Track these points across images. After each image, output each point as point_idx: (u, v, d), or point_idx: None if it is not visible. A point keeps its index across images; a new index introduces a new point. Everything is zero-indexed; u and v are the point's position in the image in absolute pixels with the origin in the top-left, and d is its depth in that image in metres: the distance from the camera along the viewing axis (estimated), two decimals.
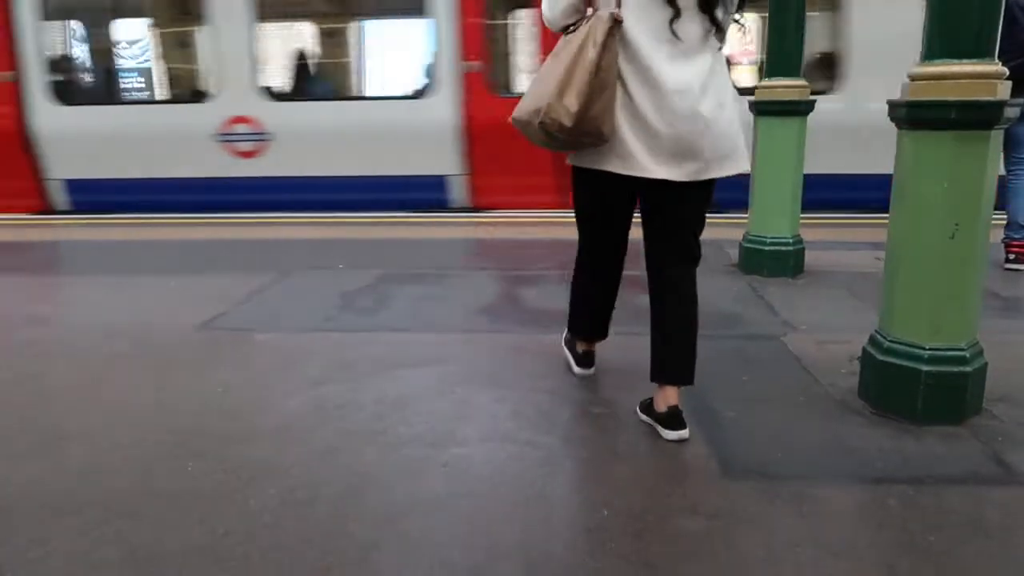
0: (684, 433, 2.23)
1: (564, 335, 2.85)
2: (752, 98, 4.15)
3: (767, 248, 4.17)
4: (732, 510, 1.86)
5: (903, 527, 1.79)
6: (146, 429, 2.36)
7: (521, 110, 2.17)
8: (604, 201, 2.35)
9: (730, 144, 2.15)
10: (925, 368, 2.26)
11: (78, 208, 6.88)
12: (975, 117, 2.12)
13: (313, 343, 3.16)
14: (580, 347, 2.75)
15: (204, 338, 3.26)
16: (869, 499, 1.93)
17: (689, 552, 1.70)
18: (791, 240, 4.18)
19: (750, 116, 4.11)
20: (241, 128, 6.53)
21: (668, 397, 2.27)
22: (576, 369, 2.75)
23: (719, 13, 2.10)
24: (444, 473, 2.07)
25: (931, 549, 1.70)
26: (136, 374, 2.85)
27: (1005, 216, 4.27)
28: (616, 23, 2.03)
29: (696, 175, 2.13)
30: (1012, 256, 4.28)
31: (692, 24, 2.08)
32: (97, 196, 6.77)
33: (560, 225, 5.31)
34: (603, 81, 2.03)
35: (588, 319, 2.68)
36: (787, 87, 4.03)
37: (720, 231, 5.23)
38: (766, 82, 4.10)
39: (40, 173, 6.81)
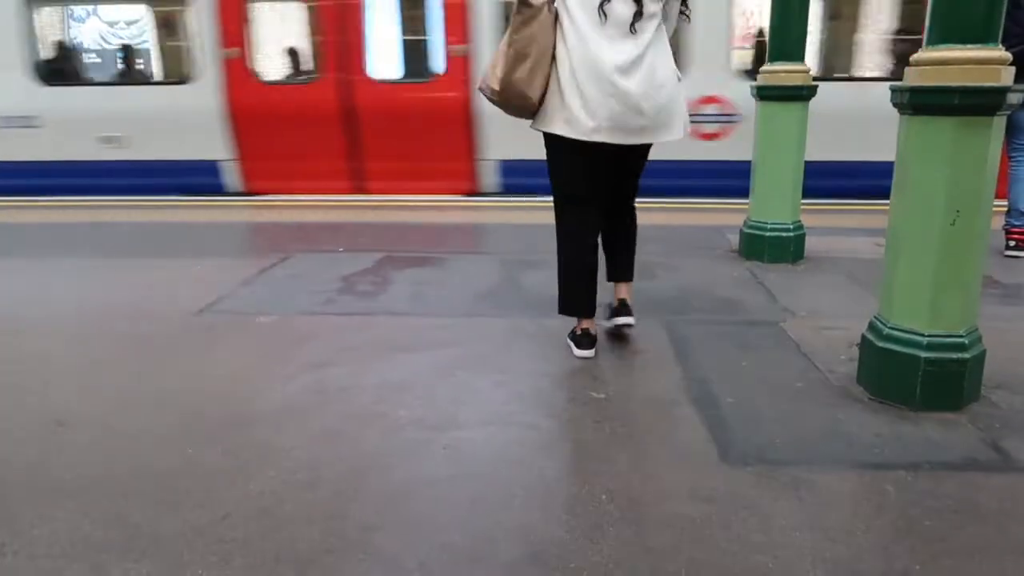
0: (631, 319, 2.80)
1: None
2: (754, 83, 4.14)
3: (767, 234, 4.16)
4: (731, 495, 1.87)
5: (901, 512, 1.80)
6: (146, 412, 2.37)
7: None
8: (567, 158, 2.63)
9: (665, 115, 2.52)
10: (924, 355, 2.26)
11: (507, 191, 6.52)
12: (978, 103, 2.11)
13: (314, 326, 3.17)
14: (578, 328, 2.77)
15: (205, 321, 3.26)
16: (867, 484, 1.94)
17: (687, 536, 1.71)
18: (792, 226, 4.17)
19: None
20: (710, 109, 6.05)
21: (620, 293, 2.87)
22: (577, 351, 2.76)
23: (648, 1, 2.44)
24: (445, 456, 2.08)
25: (928, 534, 1.71)
26: (136, 357, 2.86)
27: (1006, 203, 4.27)
28: (523, 5, 2.43)
29: (630, 140, 2.50)
30: (1012, 243, 4.28)
31: (623, 7, 2.42)
32: (527, 179, 6.20)
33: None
34: (518, 53, 2.44)
35: (574, 290, 2.75)
36: (789, 72, 4.00)
37: (720, 216, 5.25)
38: (768, 67, 4.08)
39: (475, 153, 6.48)
